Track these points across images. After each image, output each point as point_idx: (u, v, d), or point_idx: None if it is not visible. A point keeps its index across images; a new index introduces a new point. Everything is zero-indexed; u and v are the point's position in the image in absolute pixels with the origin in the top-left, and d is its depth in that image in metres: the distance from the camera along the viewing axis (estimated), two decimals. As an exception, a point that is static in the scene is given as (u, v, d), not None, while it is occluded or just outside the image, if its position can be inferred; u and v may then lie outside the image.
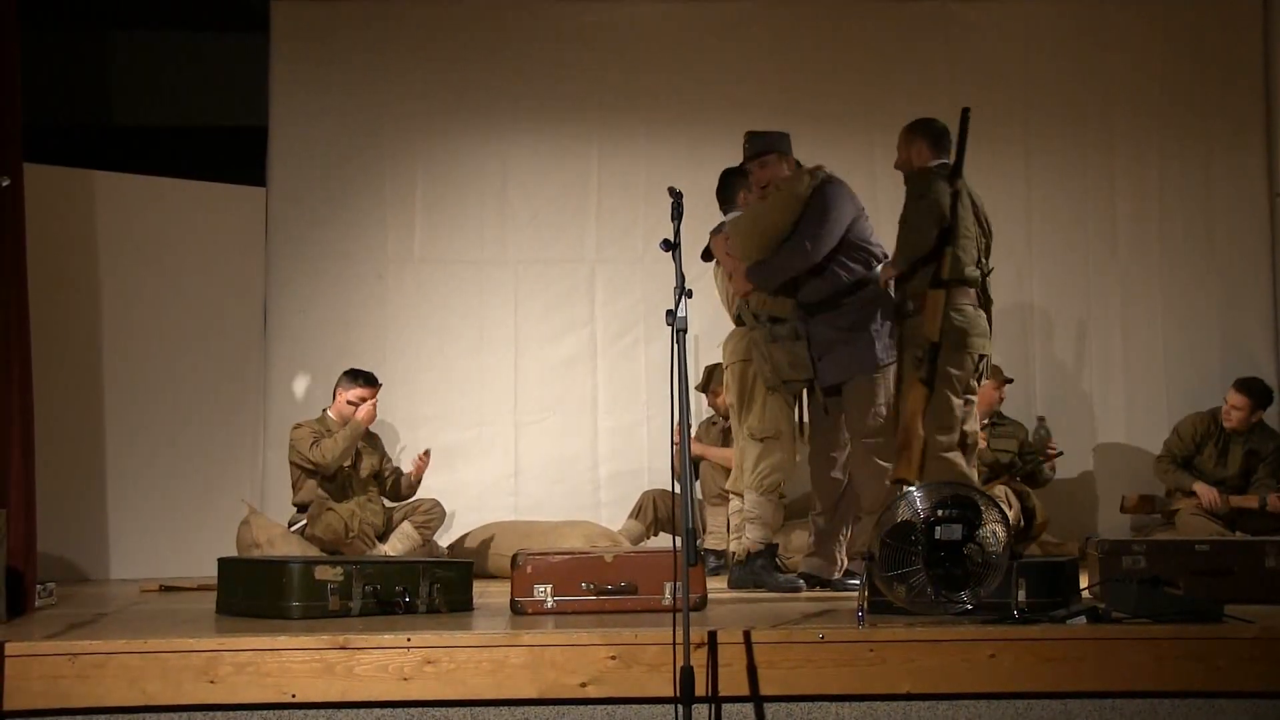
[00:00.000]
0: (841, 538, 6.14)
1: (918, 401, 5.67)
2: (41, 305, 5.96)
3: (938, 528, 4.32)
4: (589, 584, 4.91)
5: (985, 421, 7.51)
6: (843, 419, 6.09)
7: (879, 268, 6.02)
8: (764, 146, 6.12)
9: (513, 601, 4.94)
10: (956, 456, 5.78)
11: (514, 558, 5.01)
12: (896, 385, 5.92)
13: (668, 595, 4.83)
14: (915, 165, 5.94)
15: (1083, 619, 4.26)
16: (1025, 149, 8.27)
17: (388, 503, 7.38)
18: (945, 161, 5.89)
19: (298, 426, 7.23)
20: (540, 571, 4.94)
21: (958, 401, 5.80)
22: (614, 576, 4.92)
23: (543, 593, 4.90)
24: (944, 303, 5.71)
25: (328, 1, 8.29)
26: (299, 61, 8.17)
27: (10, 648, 4.02)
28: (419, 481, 7.40)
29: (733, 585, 6.02)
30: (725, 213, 6.50)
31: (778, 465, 6.08)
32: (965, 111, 5.70)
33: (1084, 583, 5.04)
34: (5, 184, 4.28)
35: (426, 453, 7.35)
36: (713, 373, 7.44)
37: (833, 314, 6.01)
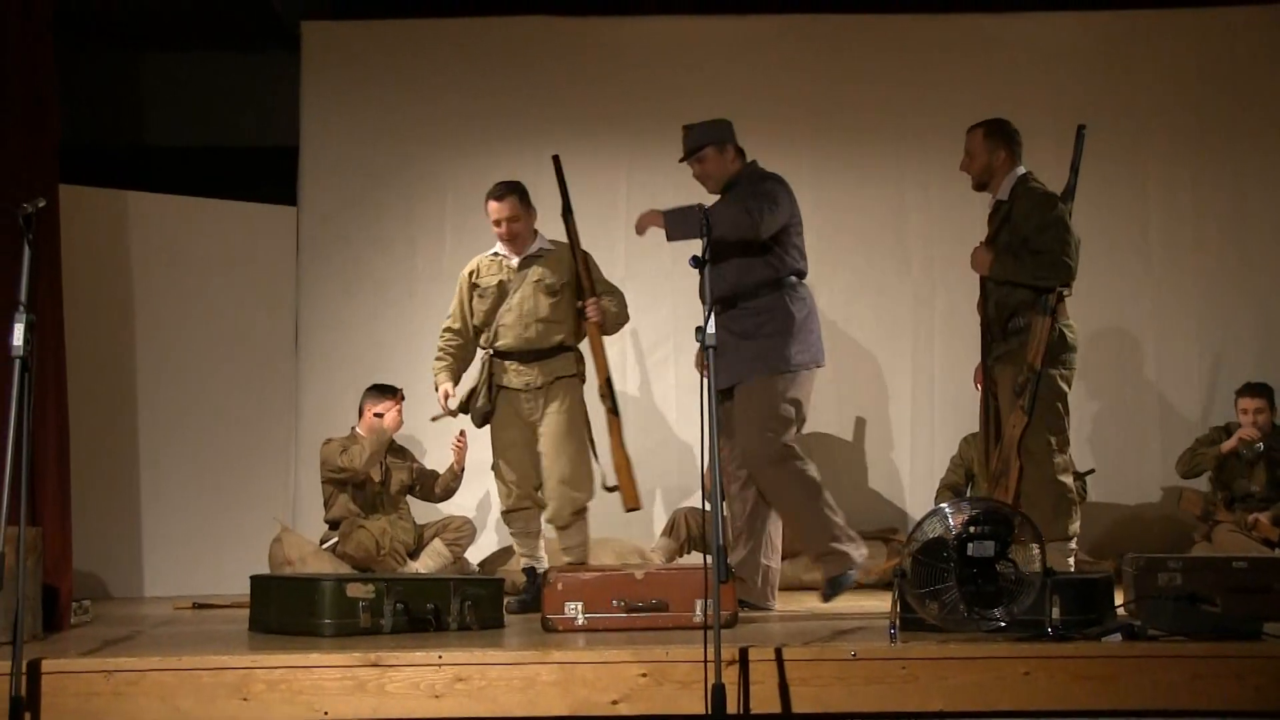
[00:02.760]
0: (764, 559, 5.87)
1: (1018, 429, 5.59)
2: (76, 324, 6.00)
3: (970, 544, 4.31)
4: (620, 601, 4.91)
5: None
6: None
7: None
8: (696, 142, 5.92)
9: (543, 619, 4.94)
10: (1068, 478, 5.74)
11: (544, 575, 5.02)
12: (991, 409, 5.85)
13: (698, 613, 4.82)
14: (997, 172, 5.84)
15: (1118, 636, 4.24)
16: (1057, 158, 8.24)
17: (418, 520, 7.39)
18: (1027, 172, 5.82)
19: (327, 442, 7.25)
20: (571, 588, 4.94)
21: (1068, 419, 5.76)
22: (645, 594, 4.92)
23: (573, 610, 4.90)
24: (1050, 329, 5.63)
25: (358, 21, 8.33)
26: (330, 81, 8.21)
27: (46, 664, 4.05)
28: (462, 469, 7.35)
29: None
30: None
31: None
32: (1081, 129, 5.75)
33: (1119, 600, 5.01)
34: (40, 205, 4.30)
35: (462, 434, 7.26)
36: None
37: (731, 314, 5.69)
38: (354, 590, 4.85)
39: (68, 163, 6.12)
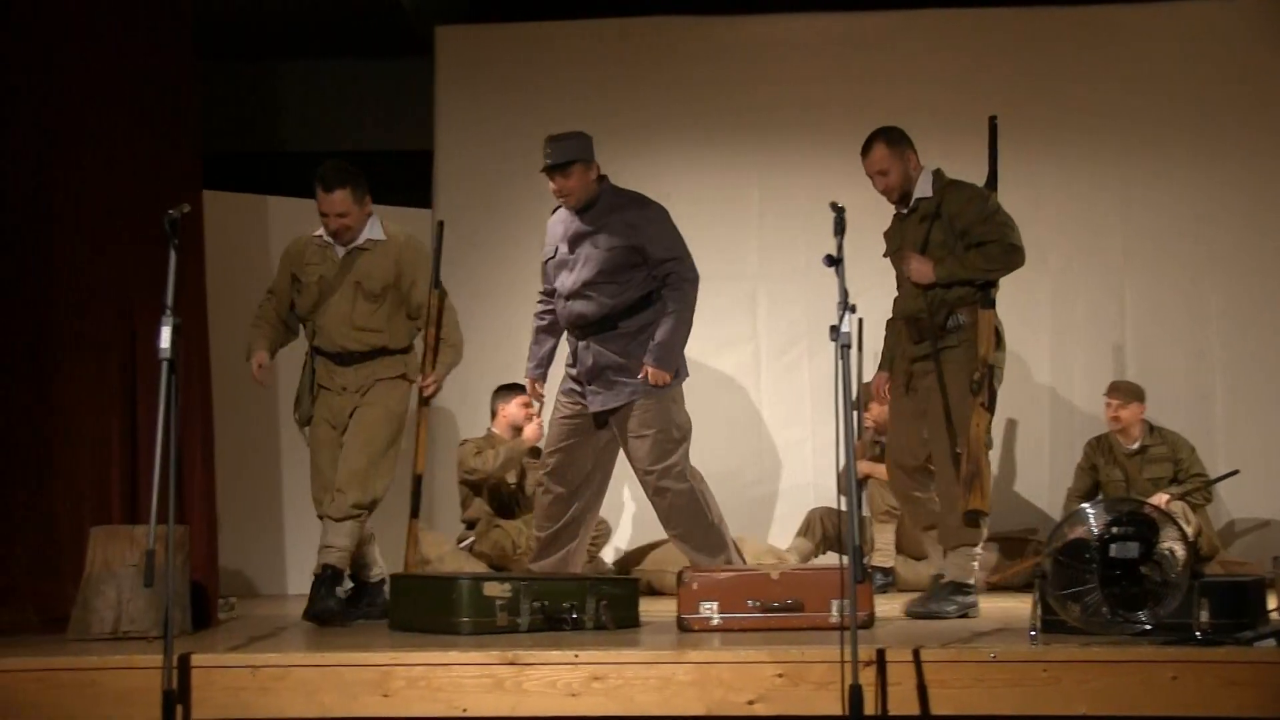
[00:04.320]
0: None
1: (982, 428, 5.44)
2: (219, 326, 6.13)
3: (1112, 545, 4.23)
4: (755, 601, 4.89)
5: (1135, 447, 7.41)
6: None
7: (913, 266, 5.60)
8: (567, 156, 5.84)
9: (679, 618, 4.94)
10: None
11: (680, 574, 5.01)
12: (946, 409, 5.60)
13: (834, 613, 4.79)
14: (914, 175, 5.65)
15: (1271, 642, 4.12)
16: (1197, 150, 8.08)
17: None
18: (938, 168, 5.69)
19: (464, 443, 7.33)
20: (706, 588, 4.94)
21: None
22: (780, 594, 4.90)
23: (709, 610, 4.89)
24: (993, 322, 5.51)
25: (491, 24, 8.41)
26: (463, 85, 8.29)
27: (196, 659, 4.14)
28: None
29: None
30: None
31: None
32: (993, 120, 5.64)
33: (1272, 604, 4.87)
34: (185, 210, 4.41)
35: (540, 410, 7.26)
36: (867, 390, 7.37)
37: (608, 335, 5.84)
38: (491, 589, 4.89)
39: (210, 169, 6.29)
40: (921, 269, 5.52)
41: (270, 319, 5.88)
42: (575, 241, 5.92)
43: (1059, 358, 8.00)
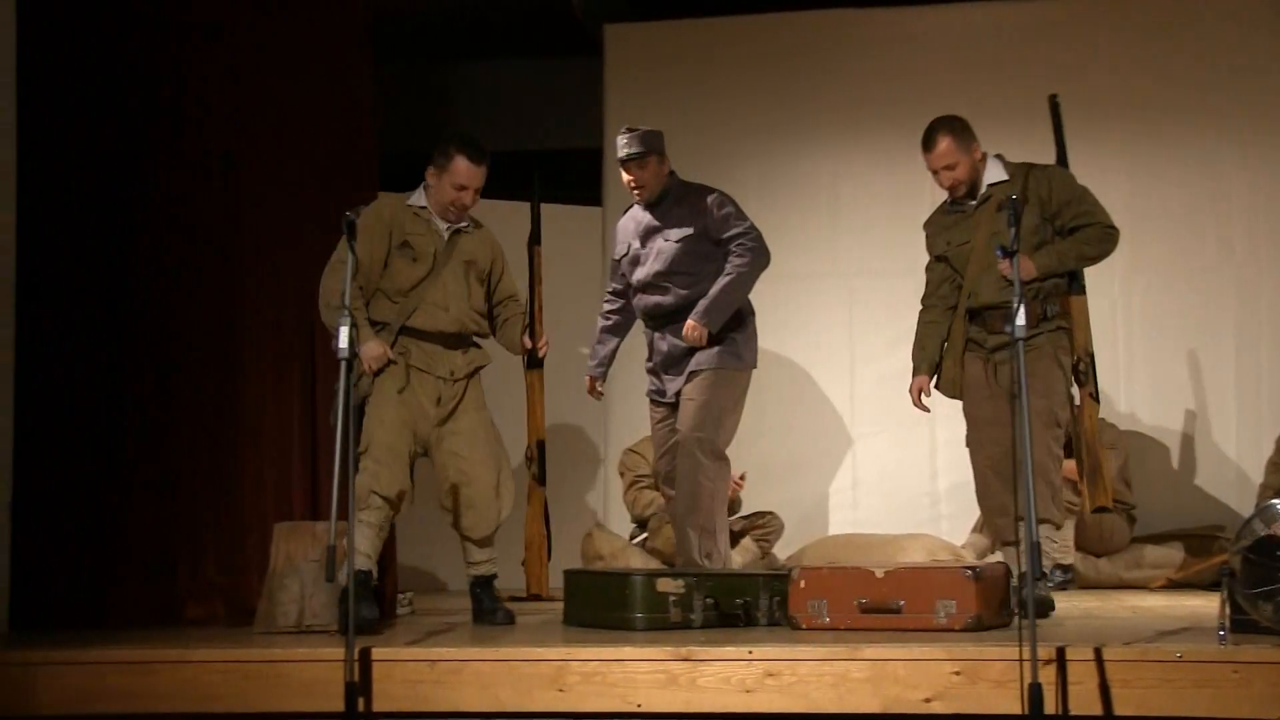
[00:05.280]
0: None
1: (1094, 419, 5.24)
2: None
3: (1307, 542, 4.08)
4: (861, 600, 4.74)
5: None
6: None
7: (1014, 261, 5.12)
8: (646, 146, 5.96)
9: (789, 616, 4.86)
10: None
11: (790, 571, 4.94)
12: (985, 413, 5.36)
13: (940, 614, 4.57)
14: (980, 166, 5.36)
15: None
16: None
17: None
18: (999, 153, 5.42)
19: (629, 452, 7.40)
20: (814, 586, 4.82)
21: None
22: (886, 593, 4.70)
23: (818, 608, 4.80)
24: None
25: (659, 22, 8.44)
26: (631, 82, 8.34)
27: (376, 653, 4.22)
28: (738, 504, 7.44)
29: None
30: None
31: None
32: (1054, 99, 5.43)
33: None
34: (355, 217, 4.50)
35: (743, 476, 7.36)
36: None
37: (682, 324, 5.90)
38: (664, 585, 4.90)
39: (387, 170, 6.40)
40: (1021, 263, 4.87)
41: (358, 300, 5.16)
42: (646, 236, 6.06)
43: (1244, 348, 7.75)
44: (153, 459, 5.74)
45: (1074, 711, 3.90)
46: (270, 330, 5.92)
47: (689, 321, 5.86)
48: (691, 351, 5.93)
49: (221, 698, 4.28)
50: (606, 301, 6.40)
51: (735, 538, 7.36)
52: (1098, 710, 3.90)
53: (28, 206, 5.62)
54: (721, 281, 5.90)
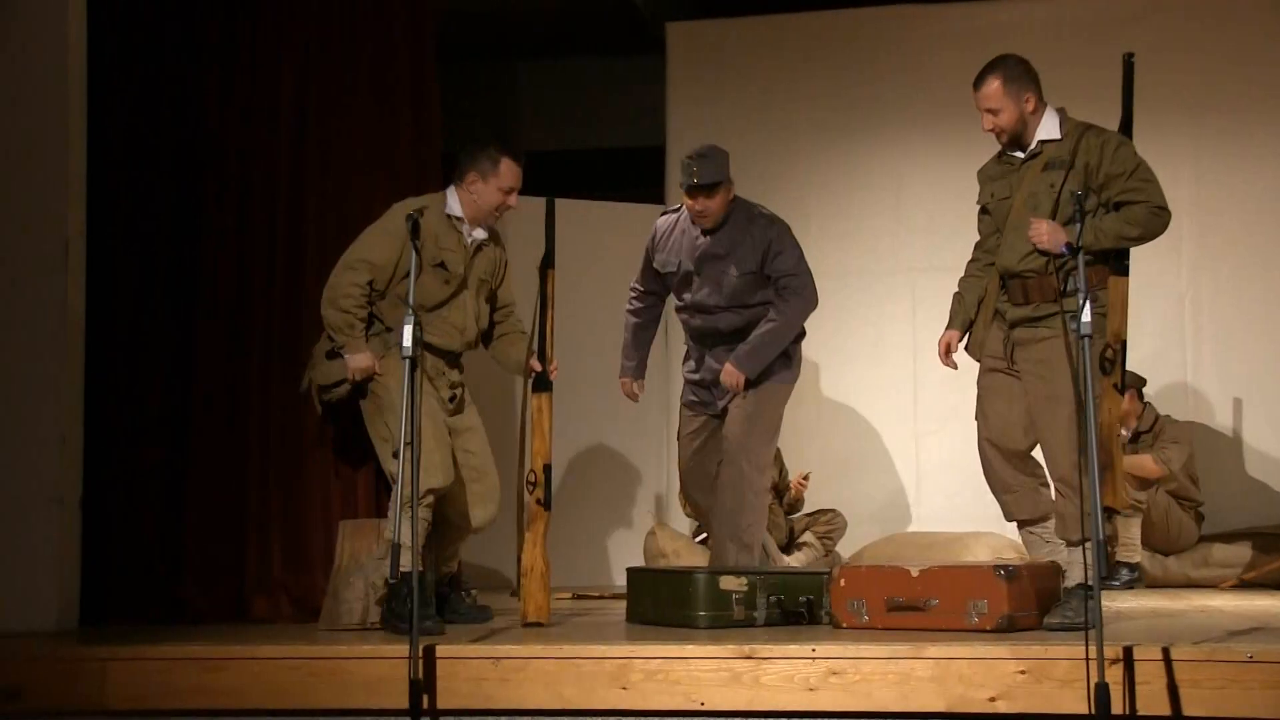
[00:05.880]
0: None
1: (1115, 413, 4.72)
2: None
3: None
4: (897, 599, 4.70)
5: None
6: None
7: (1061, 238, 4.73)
8: (718, 176, 5.80)
9: (830, 615, 4.85)
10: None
11: (831, 571, 4.92)
12: (999, 387, 5.00)
13: (972, 614, 4.53)
14: (1030, 120, 4.93)
15: None
16: None
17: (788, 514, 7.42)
18: (1061, 107, 5.02)
19: None
20: (854, 585, 4.81)
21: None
22: (920, 592, 4.67)
23: (857, 606, 4.77)
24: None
25: (720, 19, 8.43)
26: (694, 79, 8.34)
27: (440, 650, 4.25)
28: (800, 503, 7.42)
29: None
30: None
31: None
32: (1128, 58, 4.93)
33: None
34: (419, 216, 4.52)
35: (806, 477, 7.34)
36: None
37: (730, 346, 5.90)
38: (727, 583, 4.90)
39: (449, 169, 6.42)
40: (1053, 234, 4.71)
41: (360, 313, 5.18)
42: (704, 261, 5.90)
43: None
44: (221, 457, 5.80)
45: (1141, 712, 3.87)
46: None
47: (728, 367, 5.81)
48: None
49: (289, 694, 4.32)
50: (637, 299, 6.27)
51: (798, 536, 7.34)
52: (1166, 711, 3.86)
53: (99, 206, 5.68)
54: (766, 328, 5.84)
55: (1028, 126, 4.96)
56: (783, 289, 5.85)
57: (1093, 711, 3.71)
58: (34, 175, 5.39)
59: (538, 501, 5.18)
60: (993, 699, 3.96)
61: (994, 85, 4.96)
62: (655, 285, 6.17)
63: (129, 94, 5.94)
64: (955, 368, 5.23)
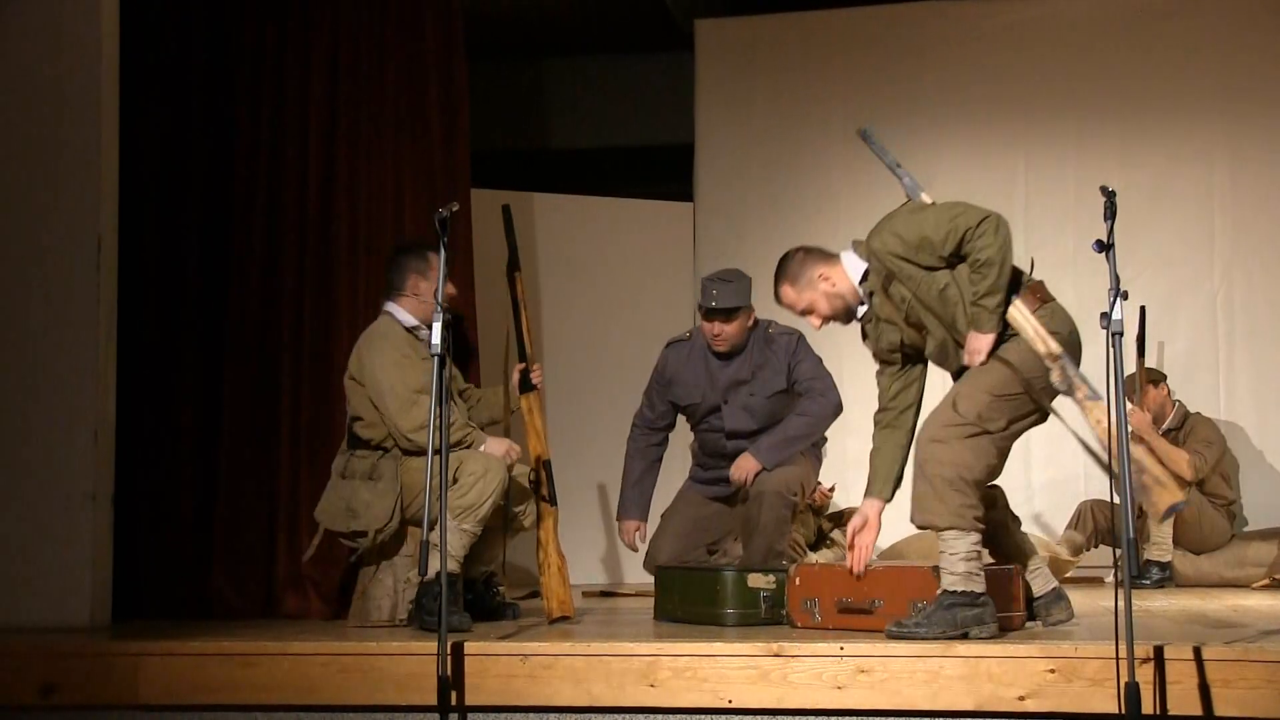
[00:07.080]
0: None
1: (1105, 419, 4.33)
2: (487, 321, 6.29)
3: None
4: (843, 600, 4.66)
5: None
6: None
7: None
8: (738, 301, 5.68)
9: (787, 615, 4.83)
10: None
11: (788, 570, 4.89)
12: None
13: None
14: (840, 284, 4.77)
15: None
16: None
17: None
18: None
19: None
20: (807, 583, 4.79)
21: None
22: (865, 592, 4.63)
23: (810, 605, 4.75)
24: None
25: (750, 17, 8.42)
26: (723, 78, 8.33)
27: (469, 647, 4.26)
28: (824, 511, 7.40)
29: None
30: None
31: None
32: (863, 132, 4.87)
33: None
34: (454, 209, 4.52)
35: (832, 488, 7.31)
36: (1132, 381, 7.11)
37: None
38: (755, 581, 4.90)
39: (479, 168, 6.45)
40: (977, 344, 4.53)
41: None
42: (729, 389, 5.77)
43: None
44: (251, 453, 5.84)
45: (1172, 711, 3.85)
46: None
47: (745, 459, 5.64)
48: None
49: (319, 690, 4.33)
50: (645, 434, 6.03)
51: (827, 534, 7.32)
52: (1197, 711, 3.85)
53: (131, 206, 5.72)
54: (793, 421, 5.70)
55: (843, 291, 4.77)
56: (808, 390, 5.73)
57: (1123, 711, 3.70)
58: (68, 177, 5.41)
59: (543, 499, 5.19)
60: (1022, 698, 3.95)
61: (786, 291, 4.80)
62: (668, 419, 6.00)
63: (161, 100, 5.98)
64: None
